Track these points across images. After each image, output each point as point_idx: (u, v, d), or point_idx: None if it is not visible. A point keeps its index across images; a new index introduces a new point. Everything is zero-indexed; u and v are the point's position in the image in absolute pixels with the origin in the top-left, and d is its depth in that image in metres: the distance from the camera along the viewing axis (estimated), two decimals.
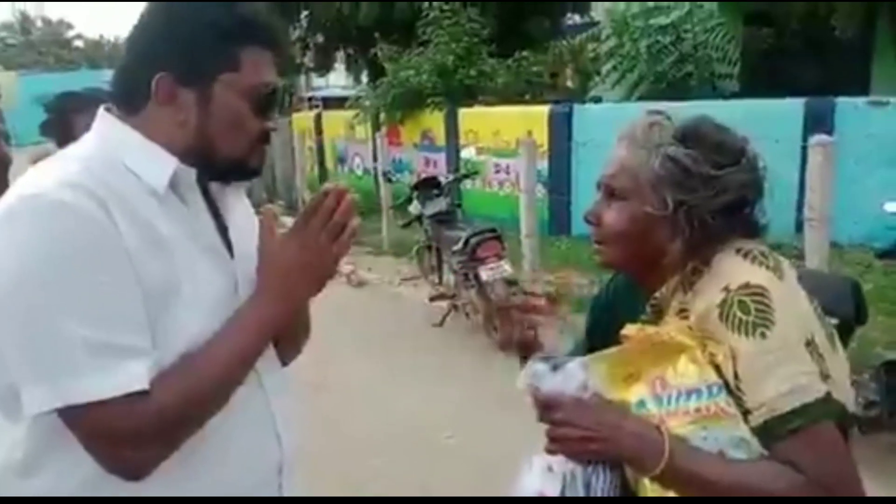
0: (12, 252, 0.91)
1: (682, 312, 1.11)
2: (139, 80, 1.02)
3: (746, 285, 1.03)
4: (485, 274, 4.98)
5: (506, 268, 5.03)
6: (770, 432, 1.00)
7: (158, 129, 1.04)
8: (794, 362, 1.00)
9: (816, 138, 3.73)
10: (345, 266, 7.67)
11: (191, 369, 0.98)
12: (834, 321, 1.61)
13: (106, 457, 0.95)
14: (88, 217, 0.93)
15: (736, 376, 1.02)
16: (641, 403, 1.08)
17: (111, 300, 0.93)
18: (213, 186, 1.13)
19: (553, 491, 1.11)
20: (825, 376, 1.02)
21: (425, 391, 4.44)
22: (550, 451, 1.13)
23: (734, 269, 1.06)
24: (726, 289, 1.03)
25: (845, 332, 1.67)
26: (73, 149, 1.06)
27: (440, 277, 6.05)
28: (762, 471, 1.00)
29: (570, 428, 1.10)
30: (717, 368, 1.04)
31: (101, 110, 1.08)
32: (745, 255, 1.07)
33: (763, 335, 1.00)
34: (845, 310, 1.71)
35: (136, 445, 0.95)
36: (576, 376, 1.12)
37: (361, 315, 6.24)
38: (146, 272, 0.96)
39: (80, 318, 0.91)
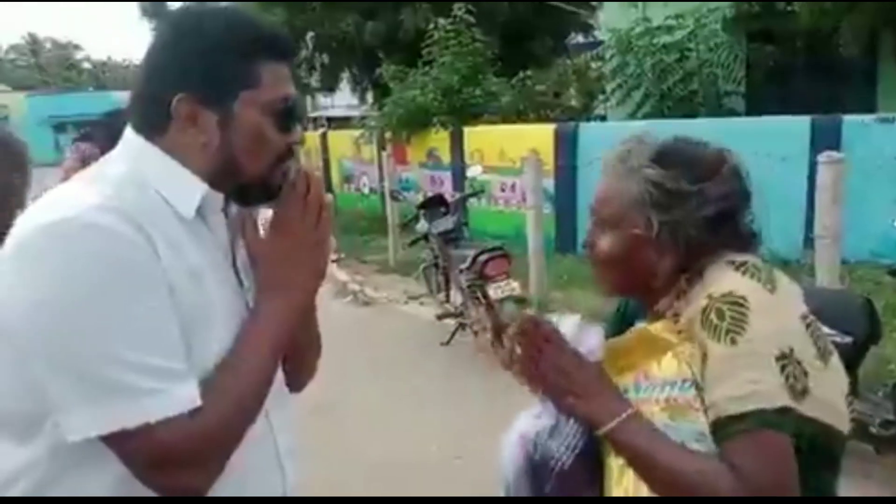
0: (50, 278, 0.89)
1: (675, 317, 1.16)
2: (158, 102, 1.01)
3: (728, 294, 1.07)
4: (493, 292, 4.97)
5: (514, 286, 5.02)
6: (718, 431, 1.04)
7: (182, 151, 1.02)
8: (755, 370, 1.02)
9: (825, 155, 3.72)
10: (352, 285, 7.69)
11: (227, 383, 0.98)
12: (848, 339, 1.59)
13: (166, 480, 0.94)
14: (127, 240, 0.91)
15: (703, 376, 1.07)
16: (624, 391, 1.16)
17: (155, 324, 0.92)
18: (231, 213, 1.11)
19: (533, 426, 1.23)
20: (799, 392, 1.02)
21: (433, 410, 4.41)
22: (534, 390, 1.22)
23: (722, 278, 1.10)
24: (709, 296, 1.08)
25: (860, 350, 1.65)
26: (101, 169, 1.03)
27: (447, 296, 6.04)
28: (705, 465, 1.03)
29: (560, 375, 1.18)
30: (692, 367, 1.09)
31: (128, 129, 1.06)
32: (737, 268, 1.11)
33: (733, 341, 1.04)
34: (859, 328, 1.69)
35: (196, 465, 0.94)
36: (590, 338, 1.20)
37: (369, 334, 6.22)
38: (182, 299, 0.95)
39: (128, 342, 0.90)
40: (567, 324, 1.23)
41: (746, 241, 1.17)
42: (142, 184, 1.00)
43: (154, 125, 1.03)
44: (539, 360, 1.20)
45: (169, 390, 0.91)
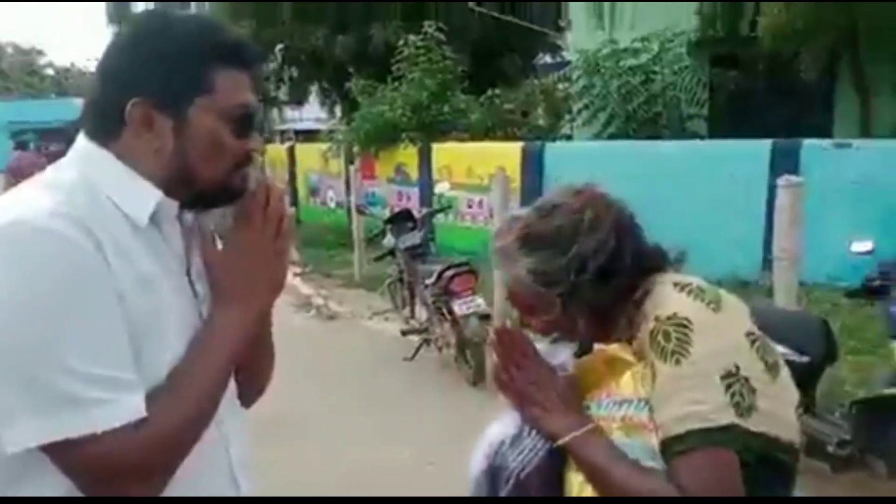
0: None
1: (630, 340, 1.19)
2: (112, 107, 0.99)
3: (673, 316, 1.10)
4: (458, 308, 4.97)
5: (479, 302, 5.02)
6: (666, 450, 1.07)
7: (136, 157, 1.01)
8: (700, 390, 1.05)
9: (784, 178, 3.80)
10: (316, 299, 7.62)
11: (177, 391, 0.97)
12: (805, 359, 1.62)
13: (106, 491, 0.92)
14: (77, 246, 0.90)
15: (651, 396, 1.10)
16: (587, 408, 1.21)
17: (104, 333, 0.91)
18: (185, 220, 1.10)
19: (498, 434, 1.26)
20: (746, 408, 1.05)
21: (397, 425, 4.38)
22: (501, 387, 1.27)
23: (667, 301, 1.13)
24: (657, 318, 1.11)
25: (816, 370, 1.68)
26: (52, 175, 1.02)
27: (412, 311, 6.02)
28: (652, 484, 1.06)
29: (531, 385, 1.23)
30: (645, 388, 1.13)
31: (80, 136, 1.04)
32: (682, 289, 1.14)
33: (678, 362, 1.07)
34: (816, 348, 1.73)
35: (141, 476, 0.93)
36: (561, 356, 1.25)
37: (332, 348, 6.17)
38: (131, 307, 0.94)
39: (76, 351, 0.88)
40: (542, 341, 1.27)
41: (658, 259, 1.22)
42: (93, 190, 0.98)
43: (108, 130, 1.01)
44: (515, 372, 1.25)
45: (116, 400, 0.89)
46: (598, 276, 1.16)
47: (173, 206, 1.04)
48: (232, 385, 1.12)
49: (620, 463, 1.10)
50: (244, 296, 1.06)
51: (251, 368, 1.18)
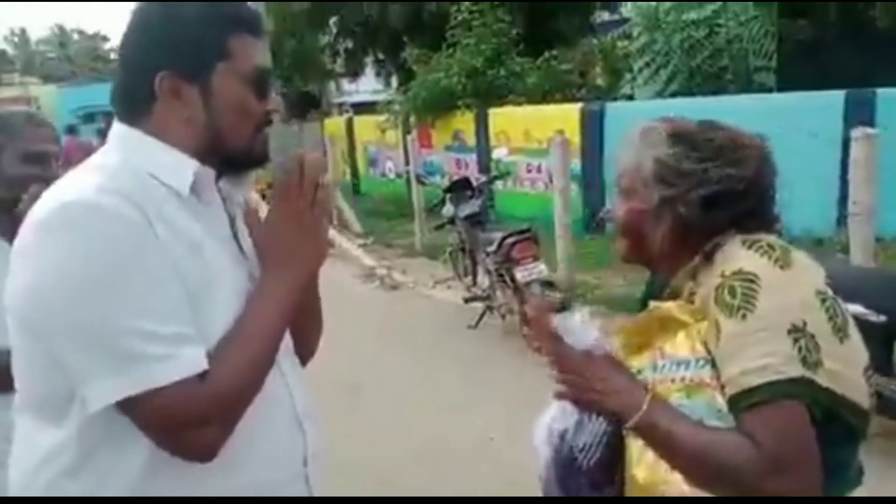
0: (58, 259, 0.94)
1: (691, 296, 1.20)
2: (141, 83, 1.06)
3: (739, 271, 1.10)
4: (520, 275, 4.96)
5: (541, 268, 5.00)
6: (735, 405, 1.07)
7: (169, 129, 1.08)
8: (767, 344, 1.05)
9: (859, 131, 3.64)
10: (379, 269, 7.73)
11: (235, 347, 1.03)
12: (883, 318, 1.57)
13: (174, 441, 0.99)
14: (127, 219, 0.97)
15: (717, 352, 1.10)
16: (641, 371, 1.20)
17: (160, 294, 0.97)
18: (223, 186, 1.16)
19: (560, 421, 1.27)
20: (812, 364, 1.04)
21: (461, 393, 4.43)
22: (557, 395, 1.25)
23: (734, 257, 1.14)
24: (722, 274, 1.12)
25: (894, 328, 1.62)
26: (96, 160, 1.08)
27: (475, 279, 6.04)
28: (723, 439, 1.06)
29: (574, 376, 1.21)
30: (706, 345, 1.13)
31: (114, 122, 1.11)
32: (750, 246, 1.14)
33: (744, 317, 1.07)
34: (894, 306, 1.66)
35: (203, 426, 0.99)
36: (593, 334, 1.23)
37: (396, 317, 6.26)
38: (185, 272, 1.00)
39: (135, 312, 0.95)
40: (572, 321, 1.24)
41: (760, 223, 1.20)
42: (134, 170, 1.05)
43: (139, 109, 1.08)
44: (554, 365, 1.24)
45: (176, 356, 0.96)
46: (704, 203, 1.17)
47: (210, 173, 1.11)
48: (289, 340, 1.20)
49: (685, 424, 1.09)
50: (286, 264, 1.12)
51: (299, 333, 1.24)
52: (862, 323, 1.17)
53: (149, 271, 0.96)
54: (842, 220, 4.08)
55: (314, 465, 1.20)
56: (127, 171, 1.04)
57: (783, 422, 1.04)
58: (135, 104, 1.08)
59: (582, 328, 1.23)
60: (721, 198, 1.17)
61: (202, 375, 0.98)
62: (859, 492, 1.18)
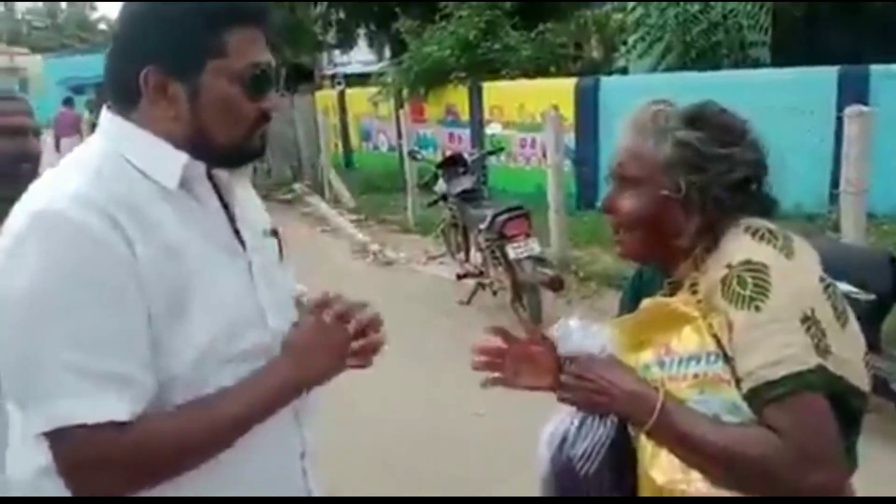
0: (17, 271, 0.91)
1: (693, 287, 1.16)
2: (128, 75, 1.01)
3: (748, 262, 1.08)
4: (512, 252, 4.96)
5: (533, 246, 4.99)
6: (757, 399, 1.05)
7: (156, 124, 1.02)
8: (784, 334, 1.04)
9: (852, 108, 3.63)
10: (372, 245, 7.72)
11: (190, 417, 0.98)
12: (871, 296, 1.58)
13: (74, 481, 0.94)
14: (93, 237, 0.92)
15: (731, 346, 1.07)
16: (647, 367, 1.16)
17: (107, 325, 0.92)
18: (219, 176, 1.10)
19: (562, 421, 1.26)
20: (823, 351, 1.04)
21: (452, 368, 4.44)
22: (562, 400, 1.22)
23: (740, 246, 1.11)
24: (729, 265, 1.09)
25: (882, 307, 1.63)
26: (82, 152, 1.05)
27: (467, 255, 6.04)
28: (747, 434, 1.05)
29: (580, 380, 1.18)
30: (717, 339, 1.09)
31: (104, 109, 1.07)
32: (754, 234, 1.12)
33: (757, 308, 1.05)
34: (882, 285, 1.66)
35: (109, 473, 0.94)
36: (597, 337, 1.20)
37: (388, 293, 6.26)
38: (159, 279, 0.96)
39: (71, 343, 0.90)
40: (569, 328, 1.22)
41: (767, 207, 1.19)
42: (120, 163, 1.01)
43: (127, 101, 1.03)
44: (568, 380, 1.20)
45: (94, 396, 0.90)
46: (734, 187, 1.14)
47: (199, 166, 1.05)
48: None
49: (702, 422, 1.07)
50: (305, 363, 1.10)
51: None
52: (852, 302, 1.17)
53: (99, 297, 0.91)
54: (833, 197, 4.08)
55: (312, 461, 1.18)
56: (111, 167, 1.00)
57: (808, 413, 1.03)
58: (123, 95, 1.04)
59: (581, 334, 1.20)
60: (746, 182, 1.15)
61: (126, 424, 0.91)
62: None
